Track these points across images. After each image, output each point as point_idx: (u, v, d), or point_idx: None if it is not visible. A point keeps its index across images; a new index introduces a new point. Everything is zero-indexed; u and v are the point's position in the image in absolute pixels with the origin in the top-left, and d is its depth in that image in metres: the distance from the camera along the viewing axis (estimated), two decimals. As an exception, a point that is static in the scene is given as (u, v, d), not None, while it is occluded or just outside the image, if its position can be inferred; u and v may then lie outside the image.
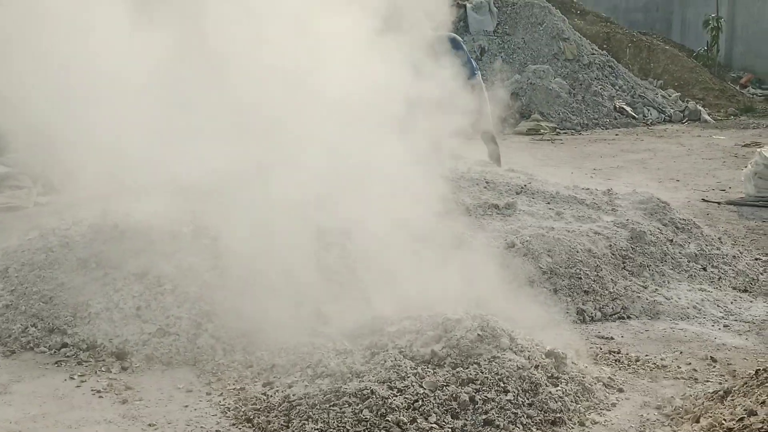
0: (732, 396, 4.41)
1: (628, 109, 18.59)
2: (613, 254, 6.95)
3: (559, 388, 4.72)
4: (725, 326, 6.24)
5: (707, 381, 5.18)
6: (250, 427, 4.51)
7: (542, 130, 16.94)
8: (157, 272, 5.83)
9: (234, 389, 4.93)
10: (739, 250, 8.06)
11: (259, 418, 4.54)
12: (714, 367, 5.43)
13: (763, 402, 4.04)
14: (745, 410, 3.98)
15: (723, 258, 7.57)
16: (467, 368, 4.64)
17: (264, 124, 6.67)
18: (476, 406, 4.47)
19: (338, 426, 4.33)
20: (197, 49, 6.87)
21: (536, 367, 4.77)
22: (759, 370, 4.50)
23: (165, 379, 5.12)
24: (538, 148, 15.22)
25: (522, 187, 8.12)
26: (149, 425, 4.56)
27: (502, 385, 4.58)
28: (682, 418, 4.54)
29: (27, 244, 6.50)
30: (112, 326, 5.53)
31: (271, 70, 6.71)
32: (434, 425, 4.34)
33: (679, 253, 7.37)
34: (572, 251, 6.75)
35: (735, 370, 5.32)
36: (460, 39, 10.29)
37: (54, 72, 6.67)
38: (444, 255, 6.21)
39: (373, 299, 5.57)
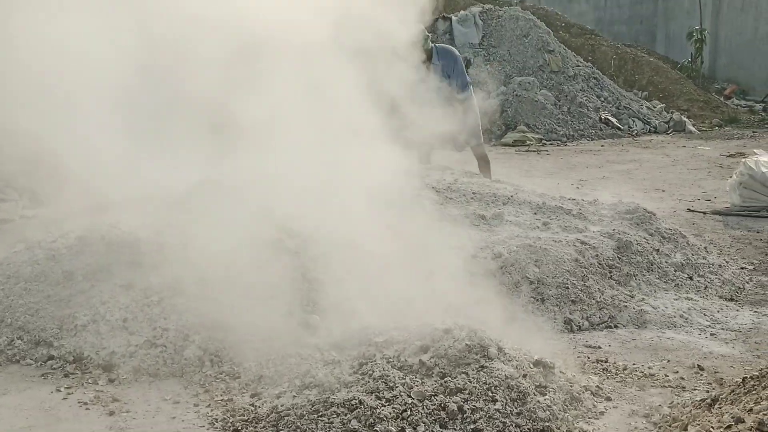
0: (719, 404, 4.42)
1: (614, 120, 18.68)
2: (599, 264, 6.97)
3: (547, 397, 4.72)
4: (712, 335, 6.26)
5: (695, 389, 5.19)
6: (238, 438, 4.50)
7: (528, 142, 17.00)
8: (144, 284, 5.81)
9: (222, 400, 4.92)
10: (725, 260, 8.09)
11: (247, 429, 4.53)
12: (701, 375, 5.45)
13: (751, 409, 4.04)
14: (732, 418, 3.98)
15: (709, 267, 7.60)
16: (455, 378, 4.64)
17: (246, 134, 6.68)
18: (465, 415, 4.46)
19: (326, 436, 4.32)
20: (177, 60, 6.89)
21: (524, 376, 4.77)
22: (746, 377, 4.51)
23: (152, 391, 5.10)
24: (524, 160, 15.27)
25: (509, 198, 8.14)
26: (136, 437, 4.54)
27: (491, 394, 4.58)
28: (669, 426, 4.54)
29: (13, 257, 6.47)
30: (99, 338, 5.50)
31: (254, 78, 6.73)
32: (423, 435, 4.34)
33: (666, 262, 7.40)
34: (559, 261, 6.76)
35: (722, 378, 5.34)
36: (457, 52, 10.32)
37: (38, 85, 6.67)
38: (431, 265, 6.22)
39: (360, 310, 5.56)
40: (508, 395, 4.60)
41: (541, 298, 6.47)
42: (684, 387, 5.23)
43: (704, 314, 6.65)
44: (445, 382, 4.61)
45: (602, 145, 17.13)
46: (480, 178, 9.50)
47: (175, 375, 5.28)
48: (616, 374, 5.41)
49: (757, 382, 4.33)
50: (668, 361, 5.69)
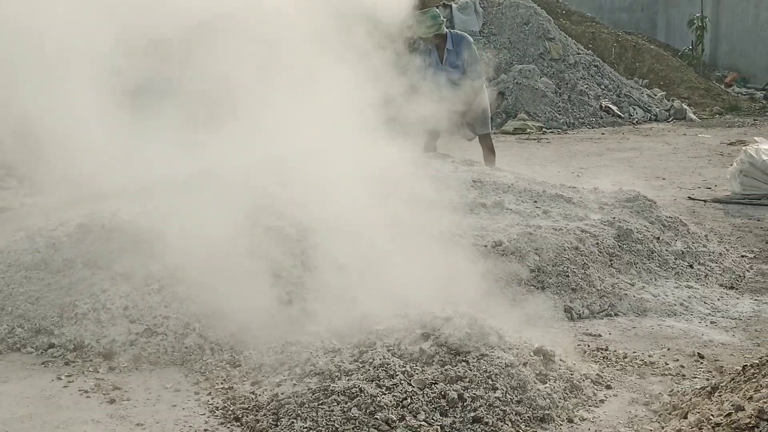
0: (719, 392, 4.42)
1: (614, 108, 18.65)
2: (600, 252, 6.97)
3: (547, 385, 4.73)
4: (712, 323, 6.27)
5: (695, 377, 5.20)
6: (238, 426, 4.50)
7: (528, 130, 16.98)
8: (145, 272, 5.81)
9: (222, 388, 4.92)
10: (725, 248, 8.10)
11: (247, 417, 4.53)
12: (701, 363, 5.45)
13: (751, 397, 4.05)
14: (732, 406, 3.99)
15: (709, 255, 7.60)
16: (456, 366, 4.64)
17: (248, 121, 6.69)
18: (465, 403, 4.47)
19: (327, 424, 4.32)
20: (179, 49, 6.89)
21: (524, 364, 4.78)
22: (746, 365, 4.51)
23: (153, 379, 5.11)
24: (524, 148, 15.25)
25: (509, 186, 8.13)
26: (137, 425, 4.54)
27: (491, 382, 4.59)
28: (670, 414, 4.55)
29: (13, 245, 6.47)
30: (100, 326, 5.50)
31: (253, 63, 6.74)
32: (423, 423, 4.34)
33: (666, 250, 7.40)
34: (559, 249, 6.76)
35: (722, 366, 5.34)
36: (471, 39, 10.31)
37: (39, 73, 6.66)
38: (431, 253, 6.21)
39: (361, 298, 5.56)
40: (508, 383, 4.61)
41: (542, 287, 6.47)
42: (684, 375, 5.23)
43: (704, 302, 6.65)
44: (445, 370, 4.62)
45: (603, 133, 17.11)
46: (480, 166, 9.50)
47: (175, 363, 5.29)
48: (617, 362, 5.41)
49: (757, 370, 4.33)
50: (668, 349, 5.70)
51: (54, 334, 5.53)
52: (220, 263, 5.80)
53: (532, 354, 4.93)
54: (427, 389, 4.50)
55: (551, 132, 17.22)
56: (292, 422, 4.37)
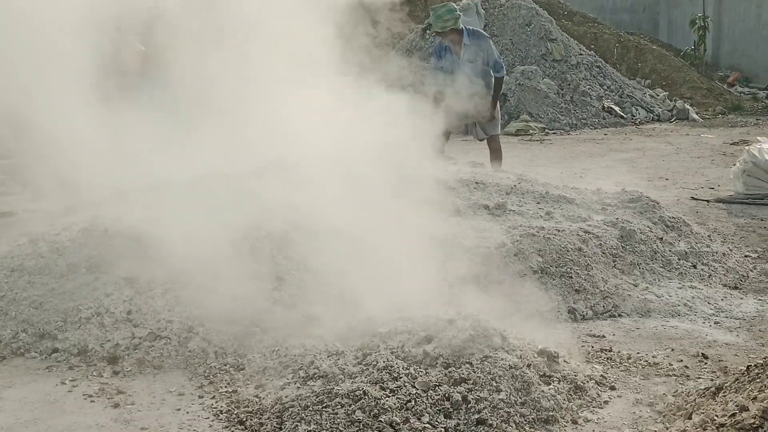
0: (724, 392, 4.41)
1: (617, 108, 18.64)
2: (603, 253, 6.96)
3: (551, 386, 4.73)
4: (716, 323, 6.26)
5: (699, 378, 5.19)
6: (242, 429, 4.50)
7: (531, 131, 16.97)
8: (148, 276, 5.82)
9: (226, 392, 4.92)
10: (728, 248, 8.09)
11: (251, 420, 4.53)
12: (705, 363, 5.44)
13: (755, 398, 4.04)
14: (736, 406, 3.98)
15: (713, 255, 7.60)
16: (459, 368, 4.64)
17: (249, 124, 6.70)
18: (469, 405, 4.47)
19: (331, 427, 4.32)
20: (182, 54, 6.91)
21: (528, 366, 4.78)
22: (750, 366, 4.50)
23: (157, 383, 5.11)
24: (527, 149, 15.25)
25: (512, 188, 8.13)
26: (141, 429, 4.54)
27: (495, 384, 4.58)
28: (674, 414, 4.54)
29: (17, 250, 6.47)
30: (103, 331, 5.51)
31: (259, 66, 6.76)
32: (427, 425, 4.34)
33: (669, 251, 7.39)
34: (563, 250, 6.75)
35: (726, 367, 5.33)
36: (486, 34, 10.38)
37: (42, 79, 6.68)
38: (435, 256, 6.21)
39: (364, 301, 5.56)
40: (512, 385, 4.61)
41: (545, 288, 6.47)
42: (688, 375, 5.23)
43: (708, 303, 6.65)
44: (449, 372, 4.62)
45: (605, 134, 17.10)
46: (483, 168, 9.49)
47: (179, 367, 5.29)
48: (621, 363, 5.41)
49: (761, 370, 4.32)
50: (672, 349, 5.69)
51: (58, 339, 5.53)
52: (223, 267, 5.81)
53: (535, 355, 4.92)
54: (431, 391, 4.50)
55: (554, 133, 17.21)
56: (296, 425, 4.38)
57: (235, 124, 7.00)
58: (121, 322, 5.55)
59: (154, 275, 5.80)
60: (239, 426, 4.53)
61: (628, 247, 7.17)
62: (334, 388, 4.52)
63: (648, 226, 7.63)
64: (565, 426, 4.53)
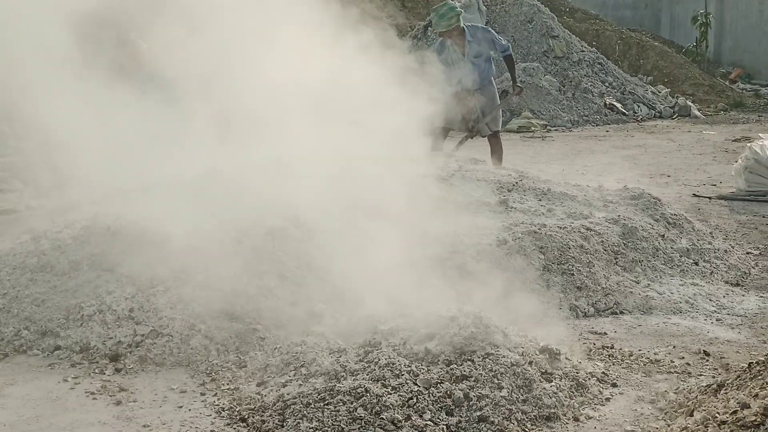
0: (725, 389, 4.42)
1: (618, 105, 18.63)
2: (605, 250, 6.96)
3: (553, 383, 4.73)
4: (718, 320, 6.26)
5: (700, 375, 5.19)
6: (244, 426, 4.50)
7: (533, 128, 16.97)
8: (150, 274, 5.82)
9: (228, 389, 4.93)
10: (730, 245, 8.08)
11: (253, 417, 4.53)
12: (707, 360, 5.44)
13: (756, 395, 4.04)
14: (738, 403, 3.98)
15: (715, 252, 7.59)
16: (461, 365, 4.64)
17: (251, 122, 6.70)
18: (471, 402, 4.47)
19: (333, 425, 4.32)
20: (182, 51, 6.91)
21: (530, 363, 4.78)
22: (752, 363, 4.50)
23: (159, 381, 5.11)
24: (528, 146, 15.25)
25: (513, 185, 8.13)
26: (144, 426, 4.55)
27: (496, 381, 4.58)
28: (676, 412, 4.54)
29: (19, 248, 6.48)
30: (105, 328, 5.51)
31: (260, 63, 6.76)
32: (429, 422, 4.34)
33: (671, 248, 7.39)
34: (564, 247, 6.75)
35: (728, 364, 5.33)
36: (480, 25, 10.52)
37: (44, 76, 6.68)
38: (436, 252, 6.22)
39: (365, 298, 5.57)
40: (514, 382, 4.61)
41: (547, 285, 6.47)
42: (690, 373, 5.23)
43: (710, 299, 6.64)
44: (450, 369, 4.62)
45: (607, 131, 17.10)
46: (484, 165, 9.49)
47: (181, 364, 5.29)
48: (622, 360, 5.41)
49: (763, 368, 4.33)
50: (674, 346, 5.69)
51: (60, 336, 5.54)
52: (225, 264, 5.81)
53: (537, 352, 4.93)
54: (433, 388, 4.50)
55: (555, 130, 17.21)
56: (298, 423, 4.38)
57: (235, 120, 7.01)
58: (123, 319, 5.55)
59: (156, 273, 5.80)
60: (241, 423, 4.53)
61: (629, 244, 7.17)
62: (336, 385, 4.53)
63: (650, 223, 7.63)
64: (567, 423, 4.53)
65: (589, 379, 4.95)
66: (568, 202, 7.90)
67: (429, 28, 18.18)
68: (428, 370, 4.63)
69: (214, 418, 4.62)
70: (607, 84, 19.22)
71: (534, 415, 4.51)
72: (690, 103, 19.36)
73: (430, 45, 10.36)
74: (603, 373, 5.11)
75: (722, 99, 20.54)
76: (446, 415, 4.41)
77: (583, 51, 19.77)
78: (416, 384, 4.52)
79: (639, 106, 18.97)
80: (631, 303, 6.46)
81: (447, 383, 4.53)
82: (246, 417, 4.56)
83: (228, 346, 5.38)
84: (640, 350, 5.59)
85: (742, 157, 10.76)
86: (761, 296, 6.79)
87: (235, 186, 6.50)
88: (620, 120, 18.19)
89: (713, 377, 5.01)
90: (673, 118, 18.70)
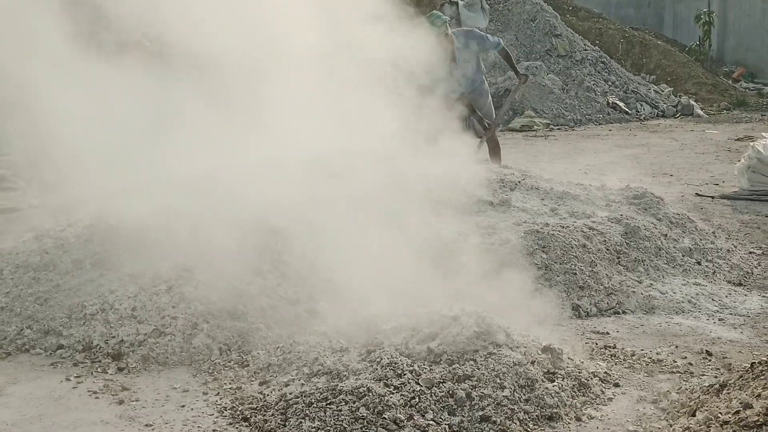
0: (728, 389, 4.41)
1: (621, 104, 18.61)
2: (607, 249, 6.96)
3: (555, 383, 4.73)
4: (720, 320, 6.26)
5: (703, 375, 5.19)
6: (247, 426, 4.51)
7: (535, 127, 16.95)
8: (153, 272, 5.82)
9: (230, 389, 4.93)
10: (733, 244, 8.08)
11: (255, 417, 4.54)
12: (709, 360, 5.44)
13: (759, 395, 4.04)
14: (741, 403, 3.98)
15: (717, 252, 7.59)
16: (463, 365, 4.64)
17: (255, 119, 6.70)
18: (473, 402, 4.47)
19: (335, 424, 4.32)
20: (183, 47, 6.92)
21: (532, 362, 4.78)
22: (754, 363, 4.50)
23: (161, 380, 5.12)
24: (531, 145, 15.24)
25: (516, 184, 8.12)
26: (146, 425, 4.55)
27: (499, 381, 4.59)
28: (678, 412, 4.54)
29: (21, 246, 6.49)
30: (108, 327, 5.52)
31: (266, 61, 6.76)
32: (431, 422, 4.35)
33: (674, 247, 7.38)
34: (567, 247, 6.75)
35: (730, 364, 5.33)
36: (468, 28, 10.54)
37: (46, 75, 6.69)
38: (438, 252, 6.22)
39: (368, 297, 5.57)
40: (516, 382, 4.61)
41: (549, 284, 6.47)
42: (692, 372, 5.23)
43: (712, 299, 6.64)
44: (453, 369, 4.62)
45: (610, 130, 17.08)
46: (487, 163, 9.49)
47: (183, 363, 5.30)
48: (625, 360, 5.41)
49: (766, 368, 4.32)
50: (676, 346, 5.69)
51: (63, 335, 5.54)
52: (228, 263, 5.82)
53: (539, 352, 4.93)
54: (435, 388, 4.50)
55: (558, 129, 17.20)
56: (300, 422, 4.38)
57: (240, 118, 7.01)
58: (126, 318, 5.56)
59: (159, 271, 5.81)
60: (243, 422, 4.53)
61: (632, 243, 7.17)
62: (338, 384, 4.53)
63: (652, 223, 7.62)
64: (569, 423, 4.53)
65: (592, 378, 4.95)
66: (571, 201, 7.89)
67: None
68: (430, 369, 4.63)
69: (217, 418, 4.62)
70: (610, 83, 19.20)
71: (536, 415, 4.51)
72: (693, 102, 19.34)
73: None
74: (605, 372, 5.11)
75: (725, 98, 20.51)
76: (448, 414, 4.41)
77: (586, 50, 19.76)
78: (418, 383, 4.52)
79: (642, 105, 18.95)
80: (634, 303, 6.45)
81: (449, 383, 4.53)
82: (248, 416, 4.56)
83: (230, 345, 5.39)
84: (642, 350, 5.59)
85: (745, 156, 10.75)
86: (764, 296, 6.79)
87: (238, 184, 6.50)
88: (623, 119, 18.17)
89: (716, 377, 5.01)
90: (676, 117, 18.68)
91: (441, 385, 4.52)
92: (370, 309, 5.37)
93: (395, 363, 4.64)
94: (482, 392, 4.50)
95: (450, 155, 9.04)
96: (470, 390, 4.51)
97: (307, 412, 4.42)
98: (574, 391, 4.77)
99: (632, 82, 19.61)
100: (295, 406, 4.49)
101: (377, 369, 4.62)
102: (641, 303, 6.46)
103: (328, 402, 4.44)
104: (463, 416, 4.41)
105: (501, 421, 4.39)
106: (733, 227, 8.94)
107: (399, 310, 5.25)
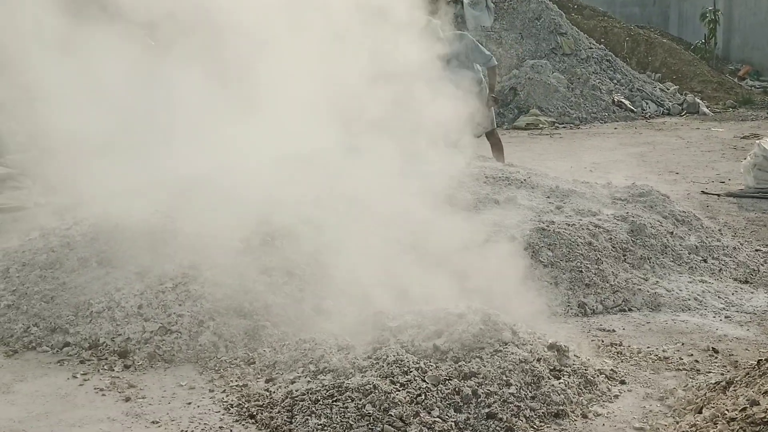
0: (734, 386, 4.41)
1: (627, 102, 18.59)
2: (613, 247, 6.95)
3: (561, 380, 4.73)
4: (726, 317, 6.25)
5: (709, 372, 5.18)
6: (253, 423, 4.51)
7: (541, 125, 16.95)
8: (159, 271, 5.83)
9: (236, 386, 4.94)
10: (739, 242, 8.07)
11: (262, 414, 4.54)
12: (716, 358, 5.44)
13: (766, 392, 4.04)
14: (747, 400, 3.98)
15: (723, 249, 7.58)
16: (469, 362, 4.64)
17: (257, 117, 6.71)
18: (479, 399, 4.47)
19: (341, 421, 4.33)
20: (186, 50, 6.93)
21: (538, 360, 4.78)
22: (761, 360, 4.50)
23: (168, 377, 5.13)
24: (537, 143, 15.23)
25: (522, 182, 8.12)
26: (152, 423, 4.56)
27: (505, 378, 4.59)
28: (684, 409, 4.54)
29: (28, 245, 6.51)
30: (114, 325, 5.53)
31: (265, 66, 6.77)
32: (437, 419, 4.35)
33: (680, 245, 7.37)
34: (573, 245, 6.75)
35: (737, 361, 5.33)
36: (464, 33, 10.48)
37: (51, 74, 6.71)
38: (445, 250, 6.22)
39: (374, 294, 5.57)
40: (522, 379, 4.61)
41: (555, 282, 6.47)
42: (698, 370, 5.22)
43: (719, 297, 6.63)
44: (459, 366, 4.62)
45: (615, 128, 17.07)
46: (493, 161, 9.50)
47: (190, 361, 5.30)
48: (631, 357, 5.41)
49: (772, 365, 4.33)
50: (683, 344, 5.68)
51: (69, 333, 5.55)
52: (234, 261, 5.82)
53: (546, 349, 4.92)
54: (441, 385, 4.51)
55: (564, 127, 17.18)
56: (307, 419, 4.39)
57: (242, 116, 7.02)
58: (132, 316, 5.56)
59: (165, 269, 5.82)
60: (250, 420, 4.54)
61: (638, 241, 7.16)
62: (344, 382, 4.53)
63: (658, 220, 7.61)
64: (575, 420, 4.53)
65: (598, 376, 4.95)
66: (577, 199, 7.89)
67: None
68: (437, 366, 4.63)
69: (223, 415, 4.63)
70: (615, 81, 19.18)
71: (542, 412, 4.51)
72: (698, 100, 19.31)
73: None
74: (611, 370, 5.11)
75: (731, 96, 20.47)
76: (454, 411, 4.42)
77: (591, 48, 19.74)
78: (424, 381, 4.53)
79: (647, 103, 18.93)
80: (640, 300, 6.45)
81: (455, 380, 4.53)
82: (255, 413, 4.57)
83: (236, 343, 5.39)
84: (648, 347, 5.59)
85: (750, 154, 10.73)
86: (770, 293, 6.78)
87: (243, 183, 6.51)
88: (628, 117, 18.15)
89: (722, 374, 5.00)
90: (682, 115, 18.65)
91: (447, 382, 4.52)
92: (376, 306, 5.38)
93: (401, 360, 4.64)
94: (488, 389, 4.51)
95: (454, 153, 9.06)
96: (476, 387, 4.51)
97: (314, 409, 4.42)
98: (581, 389, 4.77)
99: (637, 81, 19.58)
100: (301, 403, 4.49)
101: (383, 366, 4.62)
102: (647, 300, 6.45)
103: (335, 399, 4.44)
104: (469, 413, 4.41)
105: (507, 418, 4.39)
106: (739, 225, 8.93)
107: (404, 307, 5.25)
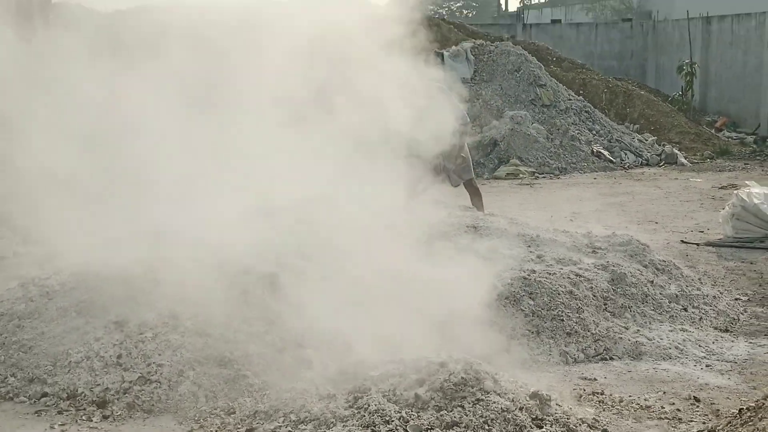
0: (716, 435, 4.41)
1: (606, 153, 18.72)
2: (594, 296, 6.97)
3: (543, 430, 4.71)
4: (707, 366, 6.26)
5: (691, 421, 5.18)
6: (233, 474, 4.47)
7: (521, 175, 17.03)
8: (138, 320, 5.80)
9: (217, 436, 4.89)
10: (719, 291, 8.10)
11: (242, 464, 4.50)
12: (697, 407, 5.43)
13: (748, 440, 4.04)
14: (729, 449, 3.98)
15: (703, 298, 7.61)
16: (451, 411, 4.63)
17: (239, 165, 6.73)
18: (461, 449, 4.44)
19: (322, 471, 4.29)
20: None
21: (520, 409, 4.76)
22: (742, 409, 4.50)
23: (147, 427, 5.08)
24: (517, 193, 15.30)
25: (503, 231, 8.15)
26: (131, 474, 4.51)
27: (487, 427, 4.57)
28: (667, 457, 4.53)
29: (7, 294, 6.46)
30: (93, 375, 5.48)
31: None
32: (419, 469, 4.32)
33: (660, 294, 7.40)
34: (554, 293, 6.76)
35: (719, 410, 5.33)
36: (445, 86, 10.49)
37: (34, 122, 6.71)
38: (425, 298, 6.21)
39: (355, 344, 5.56)
40: (504, 428, 4.59)
41: (537, 331, 6.46)
42: (680, 419, 5.22)
43: (699, 345, 6.65)
44: (441, 415, 4.60)
45: (595, 178, 17.17)
46: (473, 211, 9.53)
47: (169, 411, 5.25)
48: (613, 406, 5.39)
49: (754, 413, 4.32)
50: (664, 392, 5.68)
51: (47, 383, 5.50)
52: (214, 310, 5.79)
53: (528, 398, 4.91)
54: (423, 435, 4.48)
55: (543, 177, 17.27)
56: (288, 469, 4.35)
57: (224, 164, 7.03)
58: (111, 366, 5.52)
59: (145, 319, 5.78)
60: (230, 470, 4.49)
61: (618, 290, 7.18)
62: (325, 431, 4.50)
63: (638, 269, 7.64)
64: (558, 469, 4.51)
65: (580, 425, 4.93)
66: (557, 248, 7.91)
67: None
68: (418, 416, 4.61)
69: (203, 466, 4.58)
70: (594, 132, 19.34)
71: (525, 462, 4.49)
72: (676, 151, 19.47)
73: None
74: (593, 419, 5.09)
75: (708, 147, 20.66)
76: (437, 461, 4.38)
77: (570, 99, 19.93)
78: (406, 430, 4.50)
79: (626, 154, 19.07)
80: (621, 349, 6.45)
81: (437, 429, 4.51)
82: (235, 464, 4.52)
83: (217, 393, 5.35)
84: (630, 396, 5.58)
85: (729, 204, 10.82)
86: (750, 342, 6.80)
87: (224, 232, 6.50)
88: (607, 167, 18.26)
89: (704, 423, 5.00)
90: (660, 166, 18.80)
91: (429, 431, 4.49)
92: (357, 355, 5.36)
93: (383, 410, 4.62)
94: (470, 439, 4.48)
95: (435, 203, 9.09)
96: (458, 436, 4.48)
97: (294, 459, 4.39)
98: (563, 438, 4.74)
99: (616, 131, 19.75)
100: (282, 453, 4.45)
101: (365, 416, 4.60)
102: (628, 349, 6.45)
103: (316, 449, 4.41)
104: (452, 463, 4.38)
105: (489, 467, 4.37)
106: (719, 274, 8.98)
107: (386, 356, 5.24)
